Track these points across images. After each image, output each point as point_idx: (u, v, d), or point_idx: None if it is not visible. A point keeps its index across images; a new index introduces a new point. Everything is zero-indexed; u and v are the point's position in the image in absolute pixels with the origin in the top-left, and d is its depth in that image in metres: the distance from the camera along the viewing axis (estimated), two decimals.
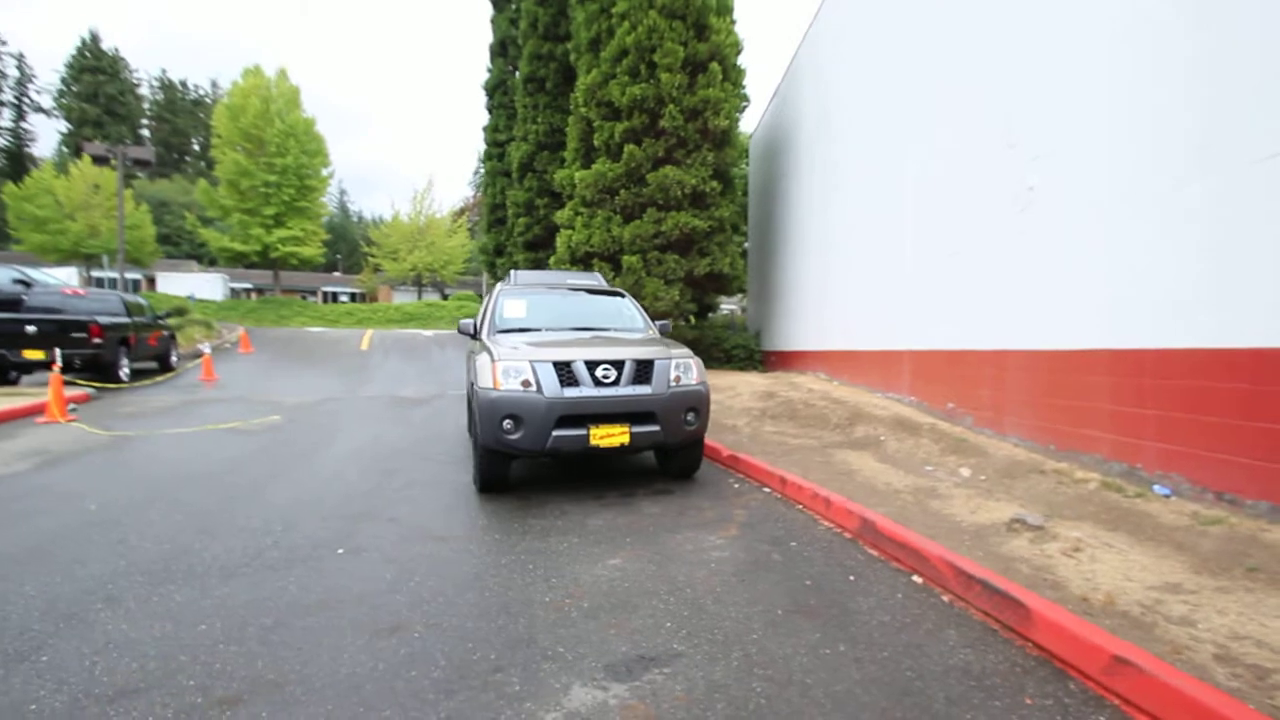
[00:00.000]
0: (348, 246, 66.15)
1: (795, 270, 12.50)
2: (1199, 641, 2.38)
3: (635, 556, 3.49)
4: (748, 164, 16.48)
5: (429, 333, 23.81)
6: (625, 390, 4.61)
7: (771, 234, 13.92)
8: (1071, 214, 4.91)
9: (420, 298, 45.75)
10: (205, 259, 47.05)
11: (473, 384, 4.90)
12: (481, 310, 7.23)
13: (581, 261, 13.05)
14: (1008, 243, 5.61)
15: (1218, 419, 3.65)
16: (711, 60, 12.25)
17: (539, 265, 16.53)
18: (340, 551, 3.59)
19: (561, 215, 13.59)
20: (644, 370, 4.72)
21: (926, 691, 2.18)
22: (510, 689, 2.21)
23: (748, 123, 16.38)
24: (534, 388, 4.45)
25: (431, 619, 2.75)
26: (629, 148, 12.37)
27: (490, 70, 20.04)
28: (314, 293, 48.54)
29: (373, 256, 44.59)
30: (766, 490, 4.93)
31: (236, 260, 34.36)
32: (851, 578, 3.17)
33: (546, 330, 5.58)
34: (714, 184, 12.49)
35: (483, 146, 20.69)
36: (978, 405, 6.11)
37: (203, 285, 36.50)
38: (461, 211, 49.86)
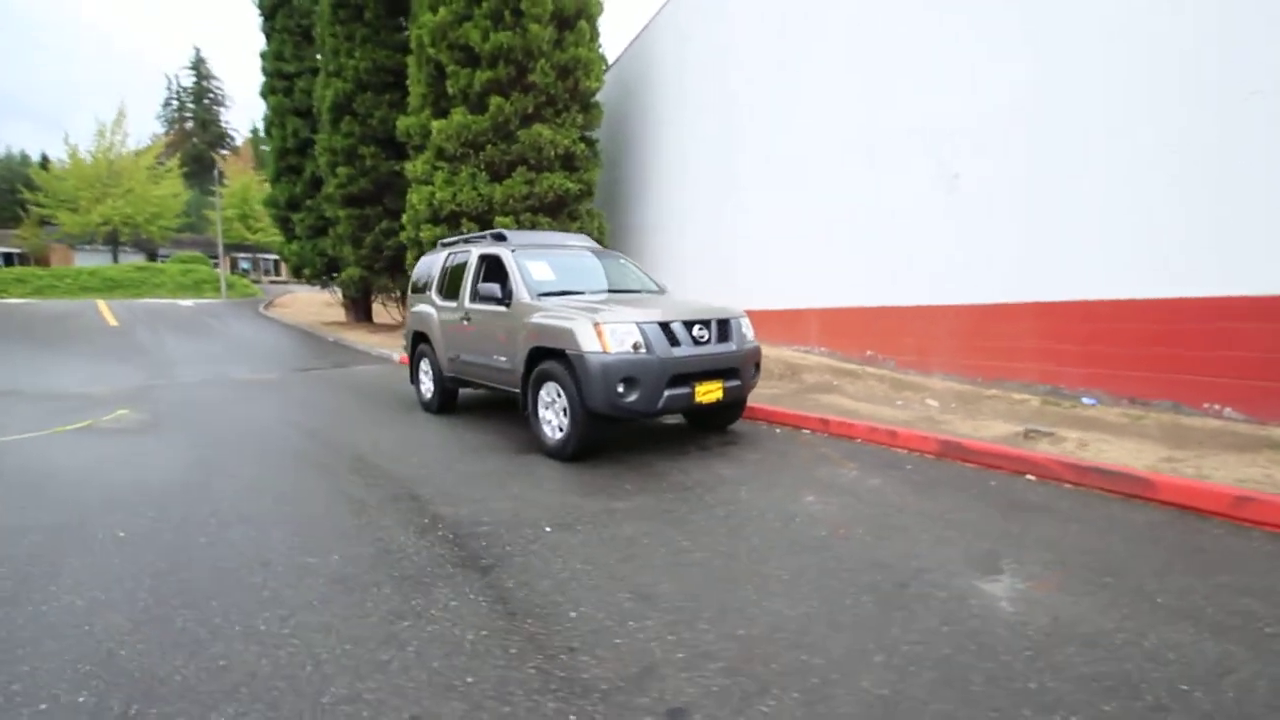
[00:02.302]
0: None
1: (657, 239, 13.20)
2: (1228, 484, 3.71)
3: (818, 494, 3.92)
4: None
5: (188, 303, 19.44)
6: (717, 348, 4.89)
7: (623, 201, 14.37)
8: (997, 195, 6.39)
9: (117, 259, 36.57)
10: None
11: (559, 350, 4.66)
12: (439, 272, 6.65)
13: (447, 221, 12.15)
14: (935, 219, 7.00)
15: (1131, 349, 5.32)
16: (580, 18, 12.14)
17: (366, 223, 14.73)
18: (548, 529, 3.38)
19: (415, 168, 12.40)
20: (724, 328, 5.03)
21: (1154, 537, 3.11)
22: (939, 594, 2.58)
23: None
24: (644, 349, 4.49)
25: (782, 562, 2.90)
26: (495, 100, 11.77)
27: None
28: None
29: (39, 206, 34.20)
30: (807, 432, 5.63)
31: None
32: (992, 483, 4.05)
33: (590, 293, 5.47)
34: (582, 146, 12.54)
35: (260, 78, 17.23)
36: (899, 350, 7.56)
37: None
38: (160, 151, 40.54)
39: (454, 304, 6.26)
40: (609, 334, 4.44)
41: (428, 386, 6.87)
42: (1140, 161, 5.27)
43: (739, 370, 5.02)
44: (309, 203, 16.53)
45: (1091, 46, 5.57)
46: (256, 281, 38.96)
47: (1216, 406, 4.83)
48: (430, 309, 6.71)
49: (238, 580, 2.79)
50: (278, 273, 47.15)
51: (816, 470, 4.42)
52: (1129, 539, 3.12)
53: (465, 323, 6.01)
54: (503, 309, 5.44)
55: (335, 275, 17.29)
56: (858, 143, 7.88)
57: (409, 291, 7.51)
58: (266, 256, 45.78)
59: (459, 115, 11.96)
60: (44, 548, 3.16)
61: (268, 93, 17.01)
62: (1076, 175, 5.71)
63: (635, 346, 4.47)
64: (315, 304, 21.79)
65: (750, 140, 9.96)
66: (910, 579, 2.72)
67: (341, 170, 14.30)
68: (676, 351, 4.62)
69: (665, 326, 4.65)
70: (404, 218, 12.92)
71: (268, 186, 41.75)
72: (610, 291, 5.66)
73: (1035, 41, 6.00)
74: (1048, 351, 5.98)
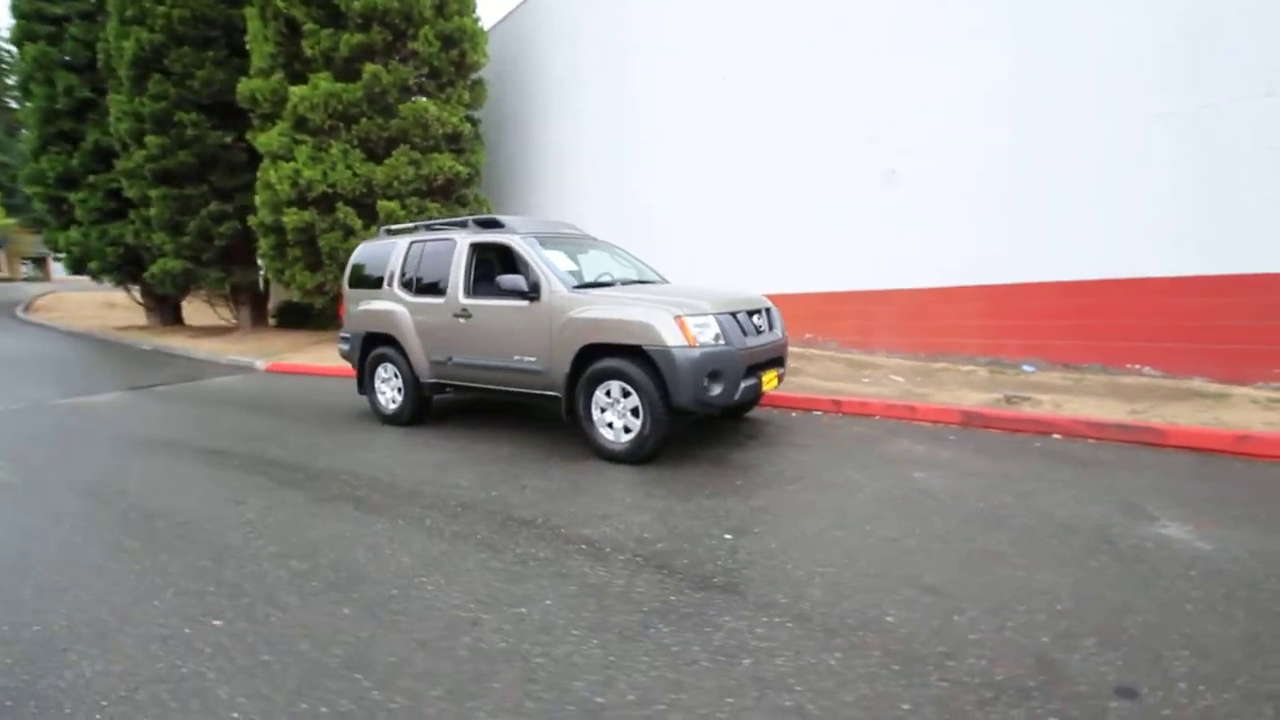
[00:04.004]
0: None
1: None
2: (1205, 426, 4.63)
3: (922, 470, 4.14)
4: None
5: None
6: (771, 337, 4.92)
7: (502, 188, 13.57)
8: (935, 188, 7.17)
9: None
10: None
11: (630, 347, 4.32)
12: (399, 264, 5.84)
13: (316, 204, 10.57)
14: (873, 212, 7.66)
15: (1063, 321, 6.35)
16: None
17: (188, 204, 12.17)
18: (728, 537, 3.17)
19: (269, 140, 10.58)
20: (770, 316, 5.07)
21: (1211, 474, 3.80)
22: (1146, 544, 2.90)
23: None
24: (723, 341, 4.36)
25: (989, 537, 3.03)
26: (370, 68, 10.53)
27: None
28: None
29: None
30: (819, 413, 5.88)
31: None
32: (1037, 445, 4.61)
33: (621, 284, 5.16)
34: (468, 126, 11.66)
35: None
36: (840, 332, 8.18)
37: None
38: None
39: (437, 300, 5.49)
40: (692, 326, 4.24)
41: (391, 396, 5.95)
42: (1065, 161, 6.28)
43: (783, 358, 5.11)
44: (92, 179, 13.18)
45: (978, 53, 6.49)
46: None
47: (1137, 366, 5.98)
48: (394, 305, 5.80)
49: (472, 649, 2.22)
50: None
51: (880, 448, 4.66)
52: (1201, 479, 3.77)
53: (461, 320, 5.31)
54: (525, 303, 4.90)
55: (127, 268, 14.04)
56: (796, 132, 8.31)
57: (346, 286, 6.40)
58: None
59: (324, 82, 10.44)
60: (145, 668, 2.23)
61: (22, 39, 13.12)
62: (1009, 171, 6.63)
63: (715, 338, 4.32)
64: (92, 305, 17.55)
65: (659, 126, 9.97)
66: (1105, 535, 3.02)
67: (152, 140, 11.64)
68: (749, 342, 4.56)
69: (734, 317, 4.55)
70: (257, 198, 10.94)
71: None
72: (636, 282, 5.39)
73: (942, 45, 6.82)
74: (988, 328, 6.90)
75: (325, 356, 10.68)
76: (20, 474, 4.66)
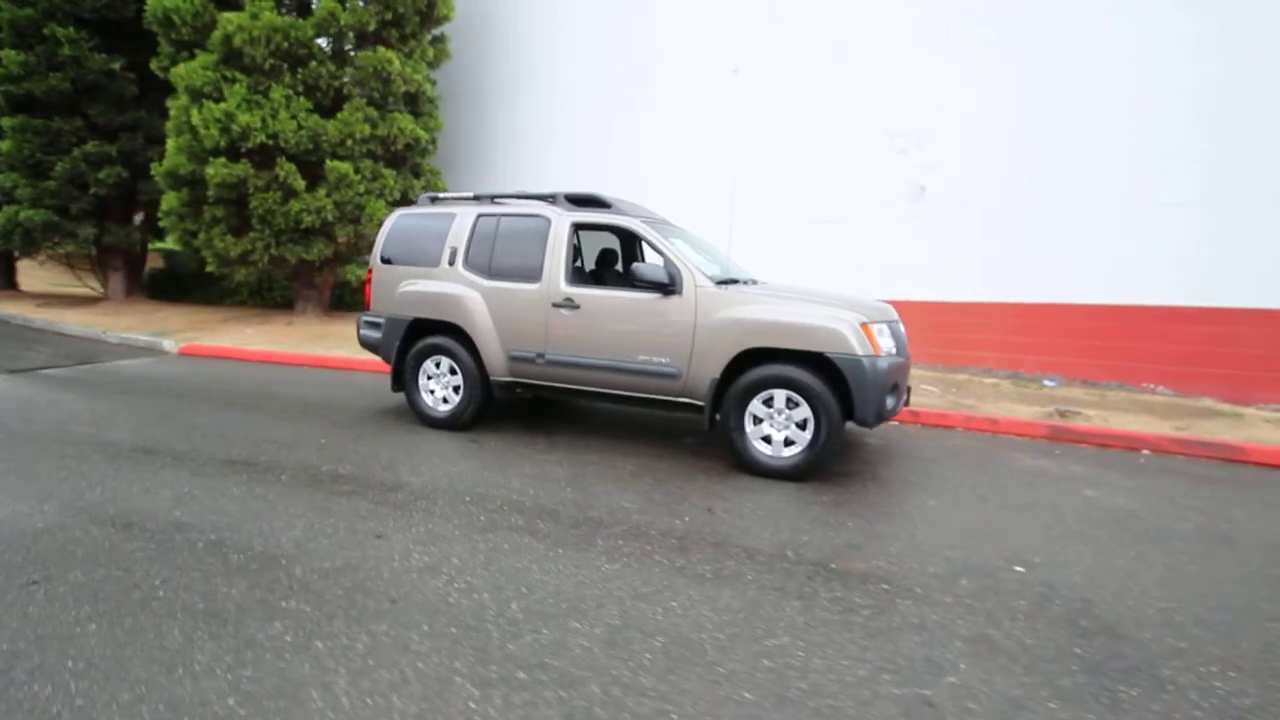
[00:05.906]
0: None
1: None
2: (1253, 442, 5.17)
3: (1091, 487, 4.20)
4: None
5: None
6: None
7: (451, 165, 12.34)
8: (958, 207, 7.47)
9: None
10: None
11: (808, 353, 3.95)
12: (465, 240, 5.03)
13: (250, 157, 8.90)
14: (900, 226, 7.84)
15: (1082, 341, 6.87)
16: None
17: (56, 141, 9.68)
18: (1020, 569, 2.95)
19: (190, 72, 8.82)
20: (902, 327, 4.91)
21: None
22: None
23: None
24: (896, 351, 4.14)
25: (1236, 559, 3.07)
26: (327, 3, 9.21)
27: None
28: None
29: None
30: (894, 423, 5.85)
31: None
32: (1141, 460, 4.87)
33: (744, 282, 4.75)
34: (429, 87, 10.45)
35: None
36: None
37: None
38: None
39: (527, 286, 4.71)
40: (877, 334, 3.97)
41: (443, 395, 5.05)
42: (1089, 188, 6.79)
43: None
44: None
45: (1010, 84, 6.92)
46: None
47: (1152, 385, 6.61)
48: (462, 289, 4.91)
49: None
50: None
51: (1011, 464, 4.70)
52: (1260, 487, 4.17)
53: (563, 312, 4.59)
54: (655, 297, 4.33)
55: None
56: (818, 135, 8.28)
57: (377, 261, 5.33)
58: None
59: (268, 12, 8.84)
60: None
61: None
62: (1034, 192, 7.06)
63: (892, 349, 4.09)
64: None
65: (656, 112, 9.56)
66: None
67: (10, 56, 9.13)
68: (907, 352, 4.37)
69: (897, 324, 4.36)
70: (170, 143, 8.97)
71: None
72: (748, 282, 4.98)
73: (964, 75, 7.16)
74: (1008, 343, 7.31)
75: (248, 338, 9.07)
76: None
